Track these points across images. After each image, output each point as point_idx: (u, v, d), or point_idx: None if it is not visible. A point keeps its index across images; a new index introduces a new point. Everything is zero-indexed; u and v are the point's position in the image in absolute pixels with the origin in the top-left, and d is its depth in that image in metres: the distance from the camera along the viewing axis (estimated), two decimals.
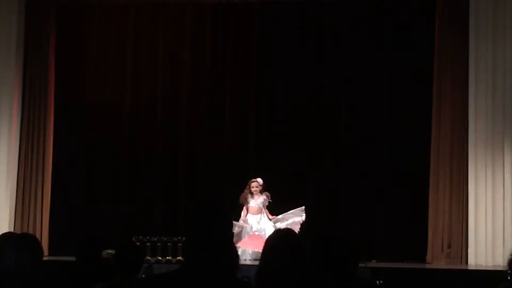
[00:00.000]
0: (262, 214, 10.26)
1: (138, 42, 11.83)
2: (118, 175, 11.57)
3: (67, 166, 11.43)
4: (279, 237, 3.35)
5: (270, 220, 10.19)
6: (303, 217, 10.06)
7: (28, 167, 11.05)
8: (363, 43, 11.26)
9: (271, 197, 10.31)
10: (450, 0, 10.62)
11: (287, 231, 3.44)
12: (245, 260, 9.66)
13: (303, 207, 10.16)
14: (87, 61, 11.78)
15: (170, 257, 9.72)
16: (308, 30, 11.51)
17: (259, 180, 10.31)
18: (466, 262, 10.14)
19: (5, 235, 3.85)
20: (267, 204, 10.30)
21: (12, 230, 10.69)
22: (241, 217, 10.19)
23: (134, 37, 11.82)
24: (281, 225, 9.96)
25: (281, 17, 11.53)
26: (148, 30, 11.83)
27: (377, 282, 7.78)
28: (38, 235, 10.06)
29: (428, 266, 10.26)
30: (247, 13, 11.65)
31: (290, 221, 10.07)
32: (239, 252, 9.27)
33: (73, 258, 5.53)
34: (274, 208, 10.38)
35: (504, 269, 4.48)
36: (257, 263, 3.51)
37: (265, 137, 11.49)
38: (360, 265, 4.34)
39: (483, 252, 10.06)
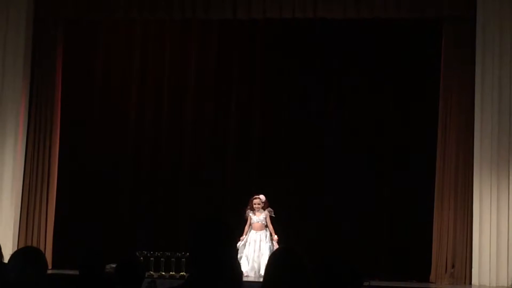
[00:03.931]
0: (266, 231, 10.27)
1: (144, 58, 11.88)
2: (122, 190, 11.58)
3: (72, 181, 11.44)
4: (282, 255, 3.33)
5: (272, 240, 10.18)
6: None
7: (33, 180, 11.06)
8: (369, 64, 11.28)
9: (274, 212, 10.33)
10: (457, 23, 10.62)
11: (290, 249, 3.41)
12: (248, 276, 9.67)
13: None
14: (94, 75, 11.83)
15: (173, 273, 9.72)
16: (313, 48, 11.53)
17: (262, 197, 10.34)
18: (470, 282, 10.09)
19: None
20: (269, 218, 10.31)
21: (16, 243, 10.71)
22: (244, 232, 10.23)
23: (140, 52, 11.87)
24: None
25: (286, 34, 11.57)
26: (154, 46, 11.88)
27: None
28: (42, 248, 10.05)
29: (431, 285, 10.22)
30: (253, 30, 11.69)
31: None
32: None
33: (76, 272, 5.52)
34: (276, 226, 10.39)
35: None
36: (260, 279, 3.51)
37: (268, 154, 11.50)
38: (364, 284, 4.33)
39: (487, 272, 10.00)
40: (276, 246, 10.02)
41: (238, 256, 9.86)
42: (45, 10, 11.19)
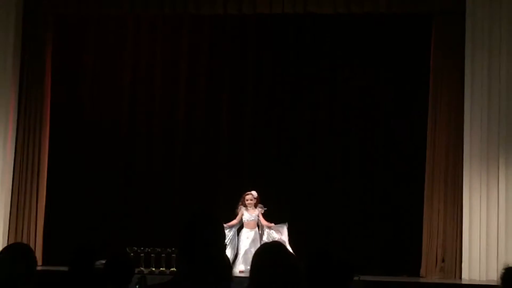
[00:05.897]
0: (258, 230, 10.26)
1: (135, 53, 11.83)
2: (112, 187, 11.54)
3: (62, 177, 11.40)
4: (266, 252, 3.26)
5: (270, 228, 10.16)
6: (283, 236, 10.03)
7: (22, 177, 11.03)
8: (359, 59, 11.29)
9: (265, 206, 10.33)
10: (447, 18, 10.65)
11: (274, 245, 3.32)
12: (242, 272, 9.66)
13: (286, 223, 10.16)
14: (84, 71, 11.78)
15: (163, 268, 9.71)
16: (304, 44, 11.53)
17: (254, 193, 10.32)
18: (460, 277, 10.13)
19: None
20: (261, 215, 10.29)
21: (6, 239, 10.69)
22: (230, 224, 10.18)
23: (132, 48, 11.83)
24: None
25: (277, 29, 11.56)
26: (146, 41, 11.84)
27: None
28: (32, 245, 10.02)
29: (422, 280, 10.25)
30: (244, 25, 11.67)
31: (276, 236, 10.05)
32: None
33: (66, 268, 5.51)
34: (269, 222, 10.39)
35: (498, 283, 4.49)
36: None
37: (261, 150, 11.49)
38: (354, 278, 4.35)
39: (477, 266, 10.05)
40: (274, 234, 10.02)
41: (229, 253, 9.84)
42: (35, 5, 11.15)
